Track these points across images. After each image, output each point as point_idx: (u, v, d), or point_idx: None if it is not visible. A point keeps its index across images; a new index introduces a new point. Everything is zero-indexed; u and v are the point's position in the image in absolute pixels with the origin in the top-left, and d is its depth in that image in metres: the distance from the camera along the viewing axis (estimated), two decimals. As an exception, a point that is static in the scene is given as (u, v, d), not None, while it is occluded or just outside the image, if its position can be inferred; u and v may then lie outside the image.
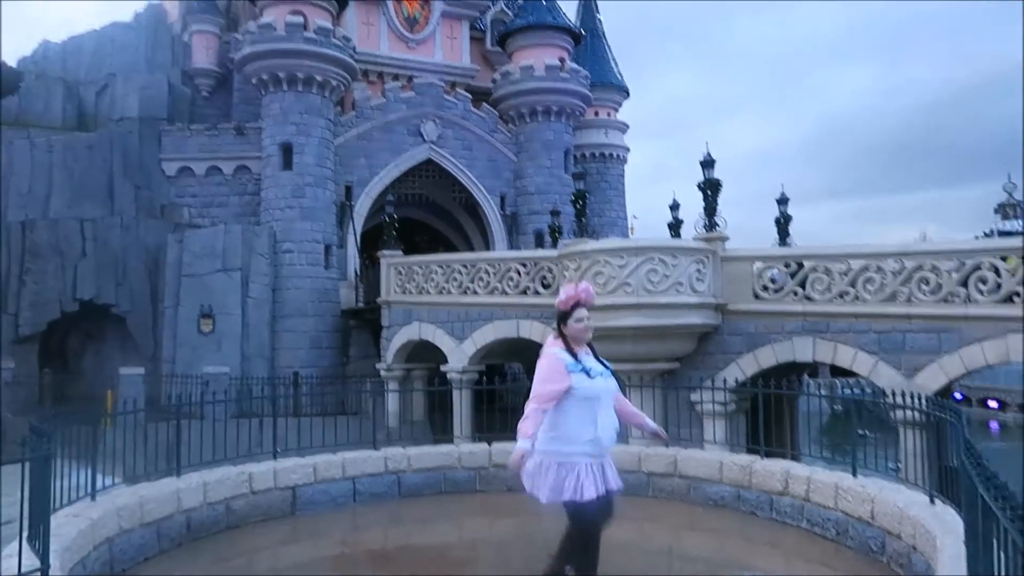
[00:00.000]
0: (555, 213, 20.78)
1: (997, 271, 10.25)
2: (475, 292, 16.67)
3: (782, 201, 16.60)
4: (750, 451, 8.28)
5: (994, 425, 30.12)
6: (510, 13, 30.08)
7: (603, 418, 4.24)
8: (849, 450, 6.44)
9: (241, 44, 24.15)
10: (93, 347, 24.15)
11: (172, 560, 5.67)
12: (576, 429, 4.17)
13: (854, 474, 6.10)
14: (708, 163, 13.82)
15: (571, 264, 13.44)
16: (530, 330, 15.26)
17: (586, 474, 4.12)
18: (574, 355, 4.27)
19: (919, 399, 6.46)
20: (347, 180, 25.23)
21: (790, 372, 13.51)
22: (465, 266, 17.23)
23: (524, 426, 4.12)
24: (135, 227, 23.67)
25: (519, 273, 15.77)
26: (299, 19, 23.54)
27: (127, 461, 6.44)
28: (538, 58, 27.39)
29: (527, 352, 14.97)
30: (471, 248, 28.34)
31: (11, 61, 27.30)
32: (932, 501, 5.27)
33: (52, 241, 22.63)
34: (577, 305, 4.34)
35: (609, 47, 32.84)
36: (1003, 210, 32.49)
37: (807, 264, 12.26)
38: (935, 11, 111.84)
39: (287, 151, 23.80)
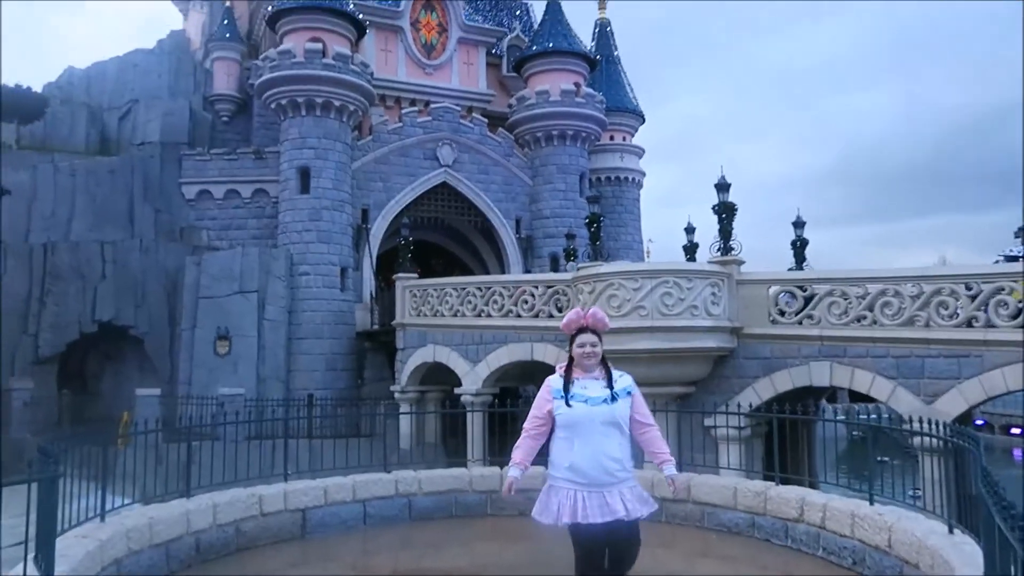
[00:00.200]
0: (570, 236, 20.79)
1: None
2: (489, 315, 16.67)
3: (798, 224, 16.54)
4: (766, 477, 8.16)
5: (1018, 453, 29.53)
6: (526, 39, 30.37)
7: (582, 446, 4.20)
8: (867, 477, 6.33)
9: (261, 70, 24.53)
10: (112, 368, 24.34)
11: (181, 582, 5.65)
12: (557, 455, 4.28)
13: (871, 502, 5.98)
14: (723, 186, 13.79)
15: (585, 287, 13.41)
16: (544, 353, 15.21)
17: (566, 500, 4.15)
18: (569, 380, 4.30)
19: (937, 425, 6.35)
20: (364, 203, 25.43)
21: (807, 397, 13.35)
22: (480, 289, 17.25)
23: (514, 453, 4.34)
24: (154, 250, 23.97)
25: (533, 296, 15.77)
26: (318, 46, 23.90)
27: (142, 482, 6.46)
28: (554, 83, 27.59)
29: (541, 375, 14.90)
30: (487, 271, 28.39)
31: (37, 86, 27.83)
32: (951, 531, 5.15)
33: (73, 263, 22.94)
34: (583, 330, 4.33)
35: (624, 72, 33.03)
36: (1023, 234, 32.05)
37: (823, 288, 12.16)
38: (956, 36, 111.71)
39: (305, 175, 24.05)
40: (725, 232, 13.49)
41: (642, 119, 33.12)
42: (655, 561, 6.17)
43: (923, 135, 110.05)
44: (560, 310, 15.00)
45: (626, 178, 32.22)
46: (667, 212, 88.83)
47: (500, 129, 28.07)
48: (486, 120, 27.90)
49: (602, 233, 16.65)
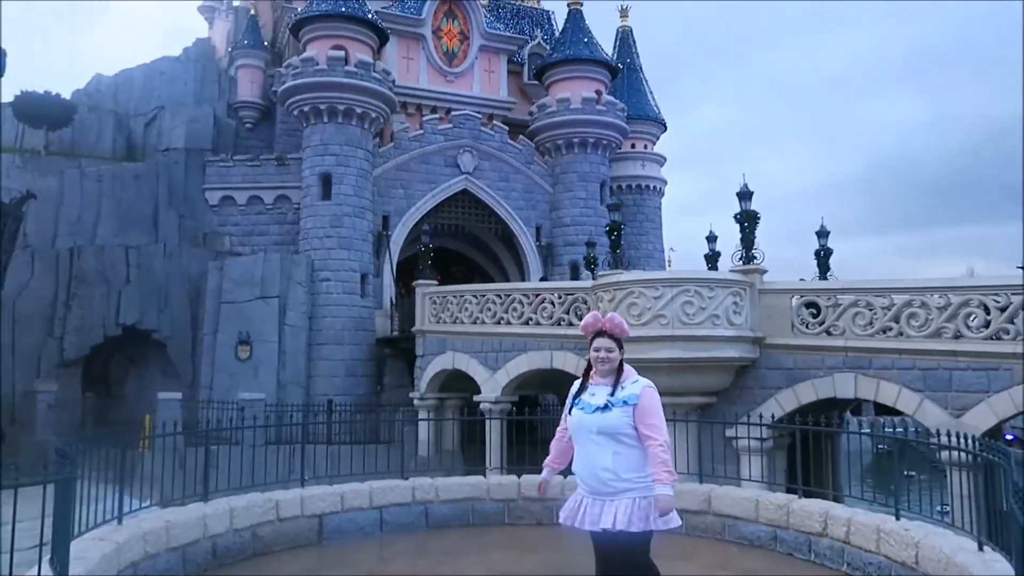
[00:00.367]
0: (590, 244, 20.70)
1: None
2: (509, 322, 16.61)
3: (822, 234, 16.35)
4: (789, 490, 8.02)
5: (1048, 468, 28.91)
6: (547, 47, 30.41)
7: (579, 453, 4.23)
8: (893, 491, 6.18)
9: (284, 77, 24.77)
10: (135, 372, 24.59)
11: (197, 586, 5.65)
12: (574, 460, 4.36)
13: (897, 517, 5.84)
14: (745, 195, 13.66)
15: (605, 295, 13.33)
16: (564, 361, 15.13)
17: (573, 503, 4.20)
18: (583, 386, 4.30)
19: (966, 439, 6.20)
20: (385, 210, 25.53)
21: (831, 409, 13.15)
22: (499, 296, 17.21)
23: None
24: (178, 254, 24.23)
25: (553, 304, 15.70)
26: (340, 53, 24.08)
27: (163, 485, 6.47)
28: (575, 91, 27.56)
29: (561, 383, 14.82)
30: (507, 279, 28.35)
31: (66, 94, 28.36)
32: (981, 547, 5.00)
33: (98, 267, 23.24)
34: (600, 334, 4.25)
35: (646, 80, 32.94)
36: (1054, 245, 31.45)
37: (848, 298, 11.98)
38: (982, 45, 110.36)
39: (326, 181, 24.19)
40: (747, 241, 13.34)
41: (664, 127, 32.99)
42: (673, 573, 6.08)
43: (952, 145, 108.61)
44: (580, 318, 14.90)
45: (647, 186, 32.08)
46: (689, 221, 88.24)
47: (521, 137, 28.09)
48: (507, 128, 27.93)
49: (623, 241, 16.56)
